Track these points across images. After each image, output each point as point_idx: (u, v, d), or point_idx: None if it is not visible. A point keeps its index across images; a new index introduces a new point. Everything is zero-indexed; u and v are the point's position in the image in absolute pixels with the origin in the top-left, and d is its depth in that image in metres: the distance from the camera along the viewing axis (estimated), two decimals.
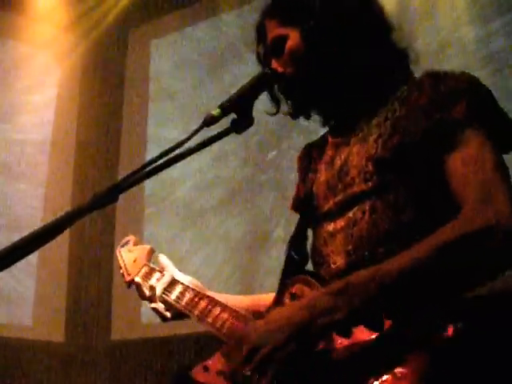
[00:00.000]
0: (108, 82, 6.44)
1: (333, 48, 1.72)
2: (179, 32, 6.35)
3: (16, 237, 1.27)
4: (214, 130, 1.57)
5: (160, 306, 2.11)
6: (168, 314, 2.12)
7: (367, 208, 1.62)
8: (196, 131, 1.53)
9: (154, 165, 1.47)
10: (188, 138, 1.51)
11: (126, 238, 2.46)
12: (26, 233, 1.29)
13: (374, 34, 1.75)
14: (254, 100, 1.68)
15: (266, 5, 1.87)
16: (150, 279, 2.17)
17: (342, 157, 1.75)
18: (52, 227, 1.32)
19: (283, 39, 1.78)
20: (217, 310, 1.93)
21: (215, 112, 1.57)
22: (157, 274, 2.18)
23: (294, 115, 1.87)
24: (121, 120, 6.41)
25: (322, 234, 1.76)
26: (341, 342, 1.47)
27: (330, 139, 1.88)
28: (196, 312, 1.99)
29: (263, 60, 1.89)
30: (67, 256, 5.80)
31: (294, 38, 1.77)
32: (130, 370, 5.52)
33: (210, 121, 1.56)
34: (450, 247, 1.39)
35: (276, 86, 1.83)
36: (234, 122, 1.62)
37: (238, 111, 1.62)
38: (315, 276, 1.68)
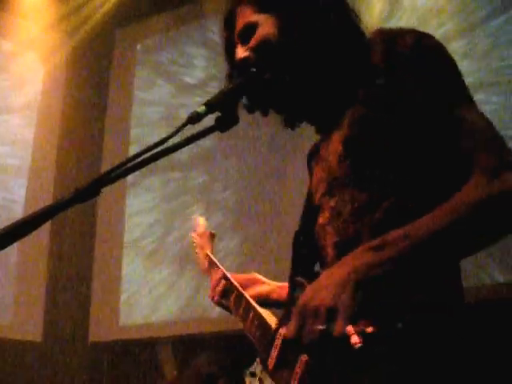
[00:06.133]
0: (92, 83, 6.43)
1: (309, 38, 1.70)
2: (165, 34, 6.36)
3: None
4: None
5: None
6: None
7: (348, 198, 1.60)
8: (180, 128, 1.51)
9: (136, 160, 1.46)
10: (172, 135, 1.49)
11: (195, 220, 2.47)
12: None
13: (346, 24, 1.74)
14: (240, 99, 1.67)
15: None
16: (211, 272, 2.24)
17: (328, 148, 1.73)
18: (32, 219, 1.31)
19: (254, 26, 1.75)
20: (251, 315, 1.92)
21: (200, 109, 1.55)
22: (215, 268, 2.23)
23: (250, 107, 1.79)
24: (104, 121, 6.39)
25: (317, 228, 1.74)
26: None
27: (321, 136, 1.86)
28: (238, 314, 2.02)
29: (227, 47, 1.86)
30: (46, 256, 5.77)
31: (267, 25, 1.73)
32: (107, 371, 5.50)
33: (194, 118, 1.53)
34: (487, 204, 1.39)
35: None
36: (218, 119, 1.60)
37: (223, 109, 1.60)
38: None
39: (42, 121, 6.02)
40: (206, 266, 2.30)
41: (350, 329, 1.28)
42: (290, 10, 1.73)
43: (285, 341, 1.63)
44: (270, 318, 1.84)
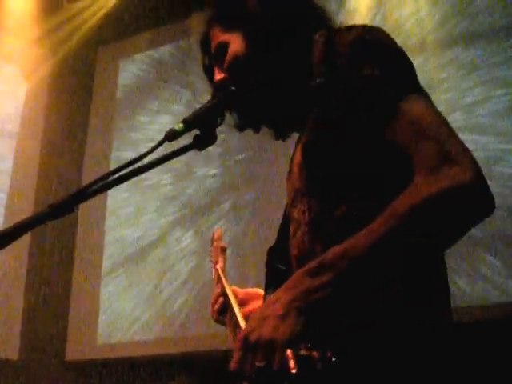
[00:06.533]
0: (74, 100, 6.42)
1: (274, 48, 1.69)
2: (148, 52, 6.37)
3: None
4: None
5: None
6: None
7: (305, 208, 1.57)
8: (158, 145, 1.51)
9: (113, 176, 1.46)
10: (150, 152, 1.49)
11: (214, 233, 2.44)
12: None
13: (310, 32, 1.72)
14: (219, 117, 1.65)
15: (210, 14, 1.85)
16: (216, 288, 2.20)
17: (294, 158, 1.71)
18: (5, 234, 1.30)
19: (225, 45, 1.76)
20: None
21: (178, 127, 1.55)
22: (219, 282, 2.20)
23: (241, 127, 1.82)
24: (85, 139, 6.39)
25: (289, 241, 1.71)
26: None
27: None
28: (231, 331, 1.99)
29: (207, 71, 1.86)
30: (25, 273, 5.73)
31: (235, 43, 1.74)
32: None
33: (172, 135, 1.54)
34: (424, 208, 1.31)
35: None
36: (196, 138, 1.60)
37: (201, 127, 1.59)
38: None
39: (23, 136, 5.99)
40: (215, 280, 2.27)
41: (288, 353, 1.28)
42: (253, 24, 1.73)
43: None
44: None
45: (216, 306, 2.12)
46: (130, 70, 6.50)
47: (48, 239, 5.84)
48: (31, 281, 5.77)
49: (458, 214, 1.33)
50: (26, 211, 5.68)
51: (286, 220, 1.78)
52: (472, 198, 1.33)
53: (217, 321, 2.15)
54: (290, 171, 1.75)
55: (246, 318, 1.92)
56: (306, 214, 1.56)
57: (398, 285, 1.41)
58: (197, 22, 5.93)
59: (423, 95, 1.49)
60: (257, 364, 1.32)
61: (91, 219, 5.94)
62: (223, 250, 2.34)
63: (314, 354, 1.30)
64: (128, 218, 5.91)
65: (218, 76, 1.77)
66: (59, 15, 5.95)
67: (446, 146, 1.36)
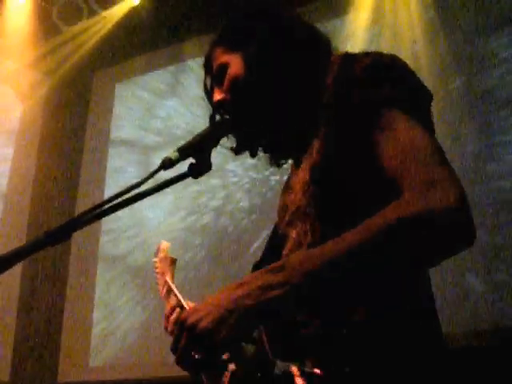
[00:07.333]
0: (70, 123, 6.44)
1: (273, 71, 1.69)
2: (143, 76, 6.40)
3: None
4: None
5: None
6: None
7: (308, 228, 1.55)
8: (153, 173, 1.51)
9: (109, 204, 1.47)
10: (145, 180, 1.50)
11: (159, 245, 2.39)
12: None
13: (311, 57, 1.73)
14: (214, 146, 1.66)
15: (215, 35, 1.85)
16: (168, 300, 2.14)
17: (296, 177, 1.69)
18: (3, 260, 1.31)
19: (225, 67, 1.76)
20: None
21: (173, 155, 1.56)
22: (171, 295, 2.14)
23: (238, 150, 1.80)
24: (80, 164, 6.39)
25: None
26: None
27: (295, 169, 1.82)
28: None
29: (207, 91, 1.86)
30: (17, 294, 5.71)
31: (235, 64, 1.74)
32: None
33: (167, 164, 1.54)
34: (387, 232, 1.30)
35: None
36: (191, 166, 1.60)
37: (196, 156, 1.60)
38: None
39: (17, 161, 6.00)
40: (164, 293, 2.24)
41: (294, 369, 1.28)
42: (254, 46, 1.74)
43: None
44: None
45: (172, 318, 2.03)
46: (126, 93, 6.52)
47: (41, 262, 5.83)
48: (24, 302, 5.76)
49: (433, 238, 1.31)
50: (18, 235, 5.68)
51: (277, 236, 1.77)
52: (451, 225, 1.30)
53: (171, 334, 2.07)
54: (288, 187, 1.75)
55: None
56: (309, 234, 1.55)
57: (379, 300, 1.41)
58: (192, 46, 5.97)
59: (423, 121, 1.49)
60: (191, 355, 1.35)
61: (84, 241, 5.93)
62: (173, 261, 2.31)
63: (317, 371, 1.30)
64: (121, 239, 5.91)
65: (217, 97, 1.77)
66: (56, 39, 5.98)
67: (433, 169, 1.35)
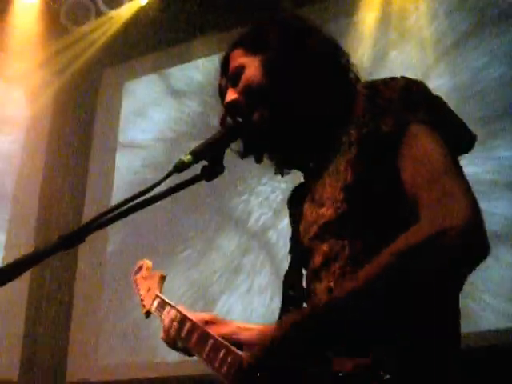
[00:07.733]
0: (78, 124, 6.45)
1: (291, 81, 1.70)
2: (152, 75, 6.40)
3: None
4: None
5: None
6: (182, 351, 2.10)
7: (344, 243, 1.57)
8: (166, 177, 1.52)
9: (121, 208, 1.47)
10: (157, 184, 1.50)
11: (140, 263, 2.41)
12: None
13: (329, 66, 1.74)
14: (226, 148, 1.67)
15: (235, 36, 1.86)
16: (162, 313, 2.15)
17: (322, 192, 1.69)
18: (14, 267, 1.31)
19: (242, 68, 1.77)
20: (221, 353, 1.84)
21: (186, 158, 1.56)
22: (167, 308, 2.15)
23: (243, 155, 1.81)
24: (88, 162, 6.39)
25: (308, 271, 1.72)
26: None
27: (309, 179, 1.83)
28: (204, 355, 1.93)
29: (221, 91, 1.86)
30: (26, 295, 5.72)
31: (252, 67, 1.75)
32: None
33: (180, 167, 1.55)
34: (403, 262, 1.35)
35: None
36: (204, 169, 1.61)
37: (209, 159, 1.61)
38: None
39: (26, 160, 6.01)
40: (155, 307, 2.24)
41: None
42: (274, 50, 1.74)
43: None
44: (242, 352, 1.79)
45: (173, 331, 2.06)
46: (134, 92, 6.52)
47: (49, 261, 5.83)
48: (33, 301, 5.77)
49: (446, 261, 1.34)
50: (27, 233, 5.70)
51: (301, 248, 1.77)
52: (463, 247, 1.33)
53: (173, 346, 2.11)
54: (313, 203, 1.74)
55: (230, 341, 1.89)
56: (346, 249, 1.57)
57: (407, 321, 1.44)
58: (199, 46, 5.98)
59: (443, 139, 1.50)
60: None
61: (93, 238, 5.93)
62: (163, 278, 2.32)
63: None
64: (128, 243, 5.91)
65: (230, 97, 1.77)
66: (64, 39, 5.98)
67: (444, 185, 1.39)
